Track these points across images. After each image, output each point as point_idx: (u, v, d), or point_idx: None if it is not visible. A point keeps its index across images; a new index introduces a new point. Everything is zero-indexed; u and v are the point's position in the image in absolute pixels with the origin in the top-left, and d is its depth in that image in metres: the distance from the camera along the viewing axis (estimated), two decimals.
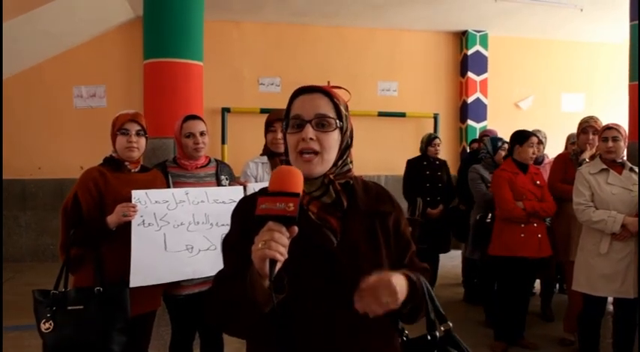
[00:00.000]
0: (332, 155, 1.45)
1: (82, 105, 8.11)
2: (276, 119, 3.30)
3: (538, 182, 4.22)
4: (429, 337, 1.51)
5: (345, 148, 1.50)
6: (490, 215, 4.54)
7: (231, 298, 1.30)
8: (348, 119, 1.50)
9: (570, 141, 5.22)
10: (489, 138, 5.32)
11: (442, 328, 1.52)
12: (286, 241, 1.19)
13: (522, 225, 4.12)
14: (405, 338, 1.54)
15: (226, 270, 1.42)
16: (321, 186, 1.45)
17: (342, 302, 1.36)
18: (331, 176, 1.46)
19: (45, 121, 7.99)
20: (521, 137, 4.24)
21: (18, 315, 4.83)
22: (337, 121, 1.45)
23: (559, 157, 4.59)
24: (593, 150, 4.18)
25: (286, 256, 1.18)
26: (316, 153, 1.42)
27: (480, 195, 4.86)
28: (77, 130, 7.93)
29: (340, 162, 1.48)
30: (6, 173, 7.65)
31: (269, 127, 3.34)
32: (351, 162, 1.53)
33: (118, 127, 2.76)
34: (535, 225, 4.14)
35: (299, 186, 1.24)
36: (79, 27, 7.53)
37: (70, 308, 2.53)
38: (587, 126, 4.32)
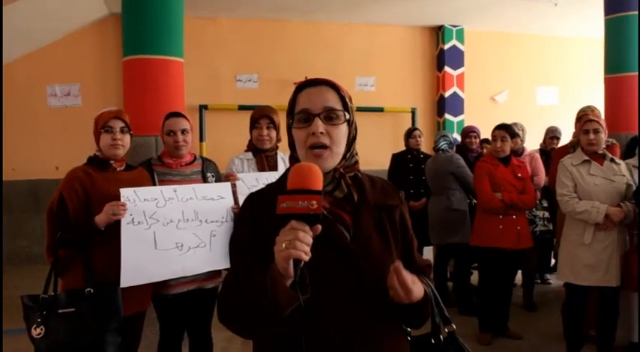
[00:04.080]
0: (341, 148, 1.43)
1: (57, 105, 7.95)
2: (260, 116, 3.29)
3: (520, 174, 4.26)
4: (433, 340, 1.52)
5: (352, 141, 1.48)
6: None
7: (249, 301, 1.26)
8: (353, 111, 1.49)
9: (549, 135, 5.28)
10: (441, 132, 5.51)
11: (446, 330, 1.53)
12: (310, 240, 1.16)
13: (500, 217, 4.17)
14: (409, 338, 1.54)
15: (238, 273, 1.38)
16: (332, 180, 1.43)
17: (358, 298, 1.35)
18: (341, 170, 1.44)
19: (18, 121, 7.78)
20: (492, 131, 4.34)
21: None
22: (345, 113, 1.43)
23: (558, 151, 4.65)
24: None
25: (310, 255, 1.16)
26: (326, 147, 1.39)
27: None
28: (52, 130, 7.77)
29: (348, 155, 1.47)
30: None
31: (254, 124, 3.33)
32: (357, 154, 1.52)
33: (102, 125, 2.71)
34: (514, 217, 4.19)
35: (320, 183, 1.21)
36: (51, 24, 7.37)
37: (61, 311, 2.47)
38: (583, 115, 4.37)
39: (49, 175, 7.14)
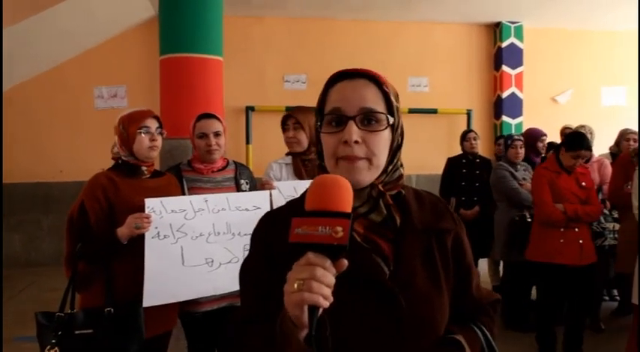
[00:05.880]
0: (382, 160, 1.13)
1: (103, 106, 7.94)
2: (287, 116, 3.06)
3: (584, 183, 3.84)
4: None
5: (396, 149, 1.17)
6: (528, 214, 4.37)
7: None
8: (399, 112, 1.17)
9: (625, 137, 4.83)
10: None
11: None
12: (332, 280, 0.87)
13: (562, 230, 3.77)
14: None
15: (246, 312, 1.11)
16: (368, 199, 1.13)
17: (397, 348, 1.06)
18: (380, 186, 1.14)
19: (66, 123, 7.85)
20: (571, 143, 3.81)
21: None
22: (389, 117, 1.12)
23: (619, 160, 4.17)
24: None
25: (332, 300, 0.87)
26: (362, 157, 1.10)
27: (515, 192, 4.61)
28: (99, 132, 7.70)
29: (390, 168, 1.16)
30: (28, 177, 7.55)
31: (283, 126, 3.09)
32: (402, 165, 1.21)
33: (139, 125, 2.48)
34: (576, 229, 3.78)
35: (349, 203, 0.91)
36: (98, 26, 7.36)
37: (77, 332, 2.25)
38: None
39: None
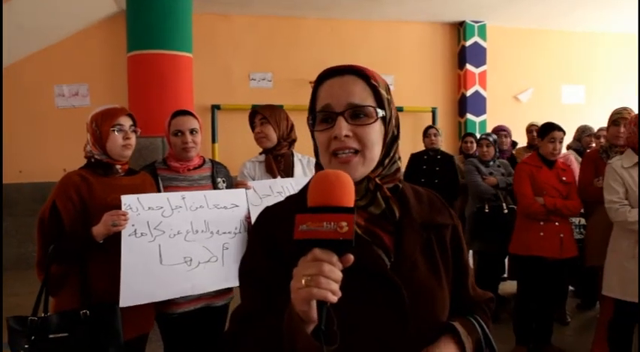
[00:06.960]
0: (375, 152, 1.14)
1: (64, 105, 7.71)
2: (254, 113, 3.07)
3: (564, 178, 3.94)
4: None
5: (391, 142, 1.18)
6: (487, 206, 4.57)
7: (259, 349, 0.98)
8: (391, 104, 1.18)
9: (586, 133, 4.94)
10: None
11: None
12: (339, 275, 0.87)
13: (542, 223, 3.84)
14: None
15: (248, 307, 1.09)
16: (365, 193, 1.13)
17: (399, 341, 1.06)
18: (377, 180, 1.14)
19: (25, 122, 7.58)
20: (543, 130, 3.97)
21: None
22: (378, 110, 1.13)
23: (588, 156, 4.26)
24: None
25: (340, 295, 0.86)
26: (356, 151, 1.10)
27: (474, 186, 4.79)
28: (59, 131, 7.53)
29: (387, 161, 1.17)
30: None
31: (251, 124, 3.10)
32: (400, 158, 1.22)
33: (113, 123, 2.41)
34: (557, 223, 3.85)
35: (351, 198, 0.91)
36: (59, 22, 7.14)
37: (52, 336, 2.16)
38: (619, 117, 3.98)
39: (56, 178, 6.76)
